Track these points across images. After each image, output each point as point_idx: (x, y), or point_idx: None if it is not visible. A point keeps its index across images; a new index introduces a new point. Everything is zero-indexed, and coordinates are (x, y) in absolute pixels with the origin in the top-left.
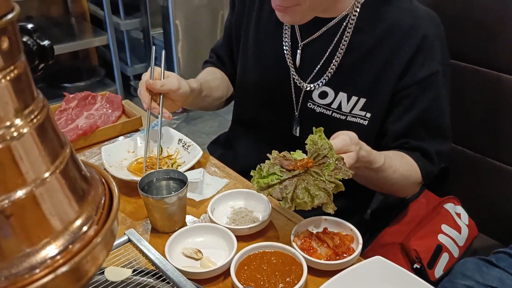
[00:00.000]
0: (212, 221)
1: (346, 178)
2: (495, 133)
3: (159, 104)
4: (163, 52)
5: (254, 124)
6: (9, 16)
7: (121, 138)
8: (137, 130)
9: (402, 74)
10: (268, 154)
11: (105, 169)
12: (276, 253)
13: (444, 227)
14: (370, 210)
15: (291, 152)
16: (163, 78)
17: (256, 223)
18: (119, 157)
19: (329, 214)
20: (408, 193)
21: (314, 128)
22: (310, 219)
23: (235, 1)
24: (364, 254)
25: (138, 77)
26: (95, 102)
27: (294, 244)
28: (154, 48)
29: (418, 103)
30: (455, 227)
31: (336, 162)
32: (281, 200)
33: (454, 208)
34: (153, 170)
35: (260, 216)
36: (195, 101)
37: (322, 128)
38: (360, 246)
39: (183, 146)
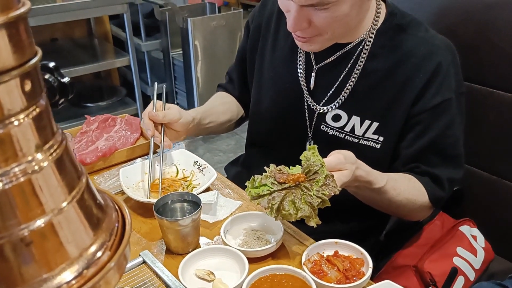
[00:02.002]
0: (224, 243)
1: (333, 194)
2: (511, 154)
3: (161, 134)
4: (164, 87)
5: (268, 146)
6: (33, 61)
7: (138, 160)
8: (154, 152)
9: (415, 100)
10: (265, 167)
11: (122, 190)
12: (286, 276)
13: (460, 250)
14: (385, 232)
15: (290, 167)
16: (165, 110)
17: (268, 245)
18: (136, 179)
19: (334, 232)
20: (417, 217)
21: (308, 145)
22: (321, 242)
23: (250, 27)
24: (378, 276)
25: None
26: (114, 124)
27: (304, 267)
28: (156, 84)
29: (430, 129)
30: (471, 250)
31: (326, 178)
32: (267, 209)
33: (470, 231)
34: (168, 193)
35: (272, 239)
36: (197, 130)
37: (316, 146)
38: (370, 270)
39: (198, 168)
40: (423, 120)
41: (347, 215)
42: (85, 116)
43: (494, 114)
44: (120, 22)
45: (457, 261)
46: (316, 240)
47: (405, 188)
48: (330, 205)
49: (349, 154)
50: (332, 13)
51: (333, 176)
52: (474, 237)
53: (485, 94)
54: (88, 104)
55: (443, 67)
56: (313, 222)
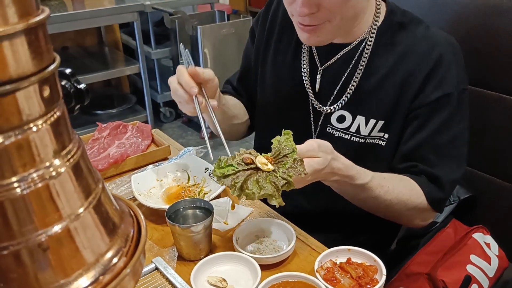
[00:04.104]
0: (236, 250)
1: (299, 175)
2: None
3: (202, 94)
4: (187, 51)
5: None
6: (51, 67)
7: (150, 166)
8: (165, 159)
9: (416, 95)
10: (236, 152)
11: (134, 197)
12: (299, 283)
13: (473, 258)
14: (396, 239)
15: (262, 154)
16: (193, 65)
17: (280, 252)
18: (148, 185)
19: (335, 235)
20: (416, 221)
21: (283, 130)
22: (334, 249)
23: (255, 32)
24: (390, 284)
25: (167, 104)
26: (126, 131)
27: (317, 274)
28: (181, 45)
29: (427, 124)
30: (485, 258)
31: (294, 162)
32: (231, 188)
33: (483, 238)
34: (180, 200)
35: (284, 245)
36: (222, 110)
37: (291, 132)
38: (384, 277)
39: (209, 174)
40: (421, 115)
41: (358, 228)
42: (97, 123)
43: (506, 119)
44: (130, 30)
45: (470, 269)
46: (329, 247)
47: (395, 187)
48: (295, 187)
49: (324, 143)
50: None
51: (302, 160)
52: (488, 245)
53: (497, 100)
54: (99, 112)
55: (444, 62)
56: (276, 202)
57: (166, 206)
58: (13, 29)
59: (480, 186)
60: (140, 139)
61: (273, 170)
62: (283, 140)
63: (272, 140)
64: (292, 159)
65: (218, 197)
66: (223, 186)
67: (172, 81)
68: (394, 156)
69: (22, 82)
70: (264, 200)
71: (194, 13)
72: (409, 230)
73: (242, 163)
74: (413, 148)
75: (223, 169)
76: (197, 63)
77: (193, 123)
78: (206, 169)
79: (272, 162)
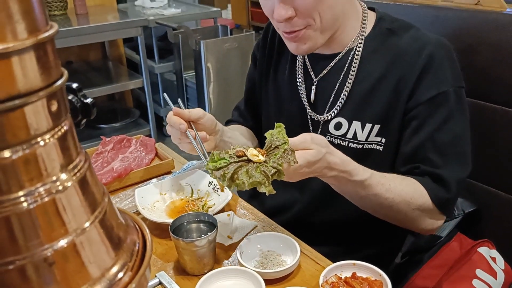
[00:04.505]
0: (240, 264)
1: (289, 164)
2: None
3: (192, 129)
4: (179, 100)
5: None
6: (59, 82)
7: (154, 180)
8: (169, 173)
9: (410, 95)
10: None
11: (138, 211)
12: None
13: (479, 272)
14: (401, 253)
15: (257, 148)
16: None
17: (285, 266)
18: (152, 199)
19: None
20: (420, 223)
21: (277, 123)
22: (339, 263)
23: (256, 57)
24: None
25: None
26: (129, 145)
27: None
28: (165, 94)
29: (426, 124)
30: (491, 272)
31: (284, 152)
32: (220, 178)
33: (488, 252)
34: (184, 214)
35: (288, 260)
36: (221, 142)
37: (282, 125)
38: None
39: (213, 188)
40: (419, 114)
41: (362, 240)
42: (100, 137)
43: (508, 132)
44: (134, 45)
45: (476, 283)
46: (333, 260)
47: (396, 185)
48: (290, 180)
49: (318, 137)
50: None
51: (293, 151)
52: (494, 259)
53: (499, 112)
54: (102, 126)
55: (436, 60)
56: (265, 189)
57: (170, 220)
58: (22, 45)
59: (485, 199)
60: (144, 153)
61: (264, 161)
62: (275, 133)
63: (265, 134)
64: (282, 150)
65: (222, 211)
66: (227, 200)
67: (167, 127)
68: (393, 161)
69: (30, 97)
70: (264, 208)
71: (197, 28)
72: (413, 244)
73: (234, 157)
74: (413, 149)
75: (215, 163)
76: (200, 78)
77: None
78: (210, 183)
79: (264, 154)
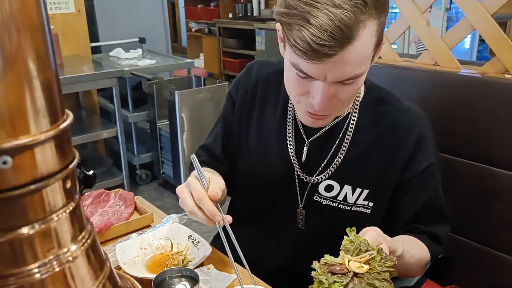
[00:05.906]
0: None
1: (393, 264)
2: (492, 223)
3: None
4: (194, 156)
5: (257, 217)
6: (73, 163)
7: (134, 235)
8: (148, 226)
9: (405, 166)
10: (313, 265)
11: (119, 265)
12: None
13: None
14: None
15: (325, 255)
16: (208, 183)
17: None
18: (132, 254)
19: None
20: (417, 273)
21: (348, 228)
22: None
23: (234, 98)
24: None
25: (144, 166)
26: (108, 199)
27: None
28: (193, 156)
29: (424, 192)
30: None
31: (379, 252)
32: None
33: None
34: (166, 269)
35: None
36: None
37: (354, 228)
38: None
39: (192, 242)
40: (416, 185)
41: None
42: None
43: (475, 184)
44: (108, 94)
45: None
46: None
47: (415, 249)
48: (396, 274)
49: (377, 229)
50: (356, 84)
51: (382, 249)
52: None
53: (465, 166)
54: None
55: (424, 135)
56: None
57: (151, 275)
58: (45, 137)
59: (453, 247)
60: (123, 207)
61: (370, 268)
62: (353, 239)
63: (342, 243)
64: (376, 251)
65: (201, 264)
66: (207, 254)
67: (182, 192)
68: (378, 224)
69: (49, 180)
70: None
71: (171, 78)
72: None
73: (339, 275)
74: (414, 213)
75: None
76: (174, 127)
77: (169, 185)
78: (189, 236)
79: (363, 262)
